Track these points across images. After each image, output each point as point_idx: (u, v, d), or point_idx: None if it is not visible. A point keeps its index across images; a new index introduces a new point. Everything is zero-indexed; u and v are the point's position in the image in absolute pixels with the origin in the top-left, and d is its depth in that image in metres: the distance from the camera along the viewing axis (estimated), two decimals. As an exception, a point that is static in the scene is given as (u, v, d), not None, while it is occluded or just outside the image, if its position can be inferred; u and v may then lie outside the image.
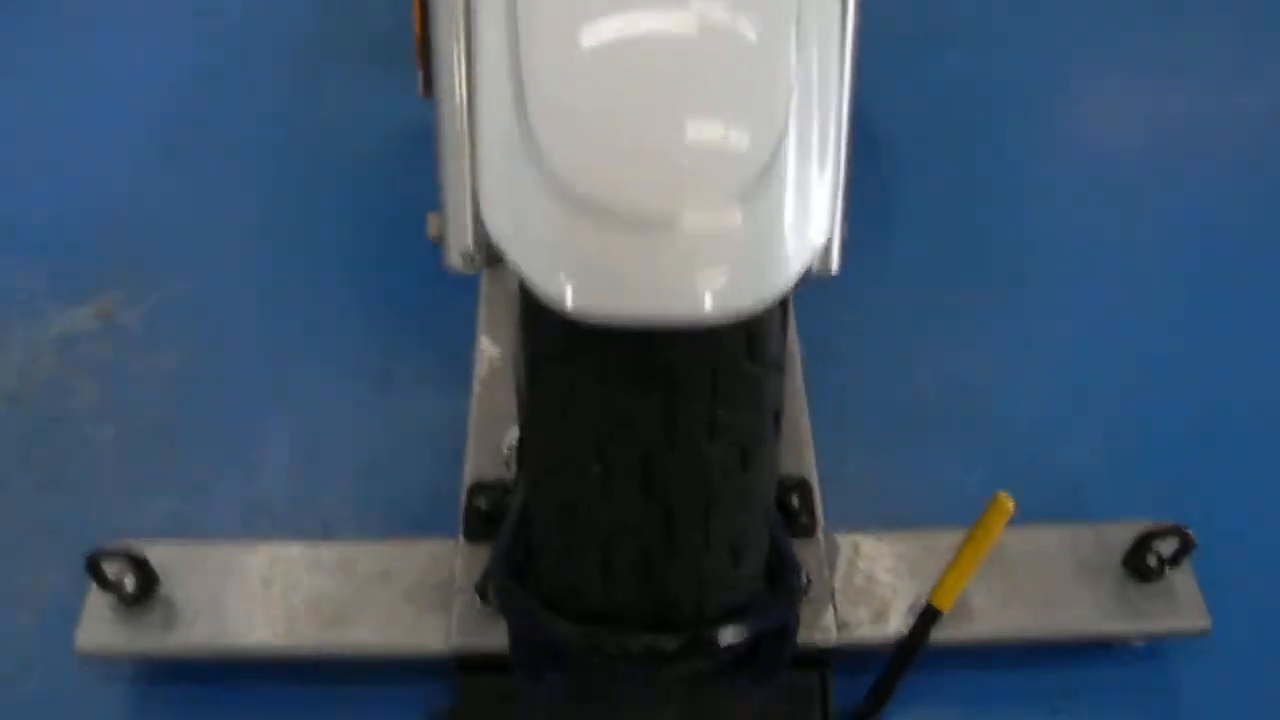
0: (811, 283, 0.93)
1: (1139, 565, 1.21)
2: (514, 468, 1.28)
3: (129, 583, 1.19)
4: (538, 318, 0.76)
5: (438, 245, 1.01)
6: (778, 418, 0.81)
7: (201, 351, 1.58)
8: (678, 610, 0.83)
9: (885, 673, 1.18)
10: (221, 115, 1.93)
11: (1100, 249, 1.74)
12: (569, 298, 0.65)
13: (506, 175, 0.69)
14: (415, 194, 1.69)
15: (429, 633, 1.20)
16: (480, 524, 1.26)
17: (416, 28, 1.19)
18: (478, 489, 1.28)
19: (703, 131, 0.67)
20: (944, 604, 1.17)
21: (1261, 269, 1.72)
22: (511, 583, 0.90)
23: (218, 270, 1.68)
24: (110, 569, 1.17)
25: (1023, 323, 1.63)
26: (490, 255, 0.99)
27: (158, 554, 1.22)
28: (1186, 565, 1.22)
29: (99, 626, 1.19)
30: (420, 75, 1.23)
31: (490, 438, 1.33)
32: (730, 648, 0.84)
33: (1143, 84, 2.05)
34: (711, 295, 0.65)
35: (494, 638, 1.16)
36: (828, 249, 0.92)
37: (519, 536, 0.95)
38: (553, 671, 0.94)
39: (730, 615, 0.85)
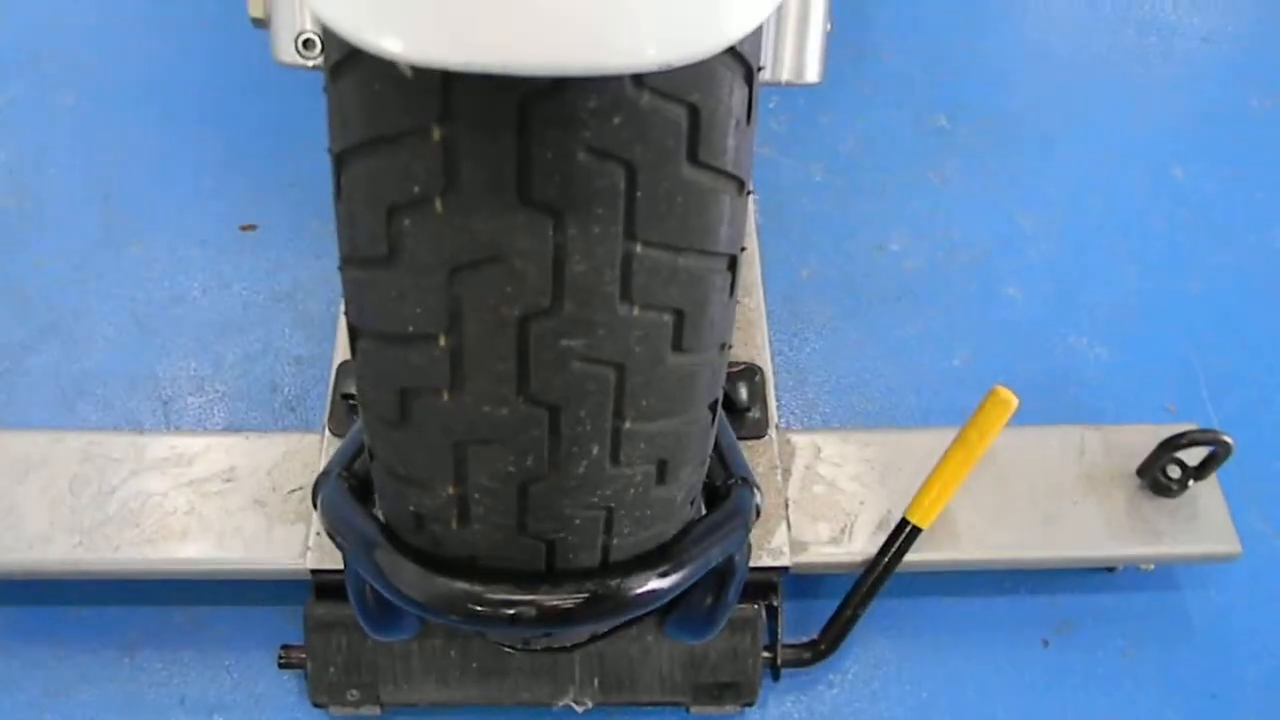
0: (783, 89, 0.69)
1: (1158, 476, 1.00)
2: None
3: (-111, 482, 0.93)
4: (347, 82, 0.49)
5: (262, 28, 0.74)
6: (734, 264, 0.56)
7: (21, 195, 1.28)
8: (575, 554, 0.58)
9: (846, 601, 0.97)
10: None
11: (1107, 108, 1.49)
12: (395, 33, 0.39)
13: None
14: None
15: (282, 548, 0.95)
16: (350, 414, 1.01)
17: None
18: (349, 370, 1.03)
19: None
20: (923, 520, 0.95)
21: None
22: (348, 503, 0.64)
23: (44, 97, 1.38)
24: None
25: (1016, 187, 1.38)
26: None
27: (-68, 445, 0.96)
28: (1213, 478, 1.00)
29: None
30: None
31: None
32: (651, 600, 0.60)
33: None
34: (631, 25, 0.39)
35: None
36: (804, 51, 0.68)
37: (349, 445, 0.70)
38: (406, 626, 0.70)
39: (653, 555, 0.61)
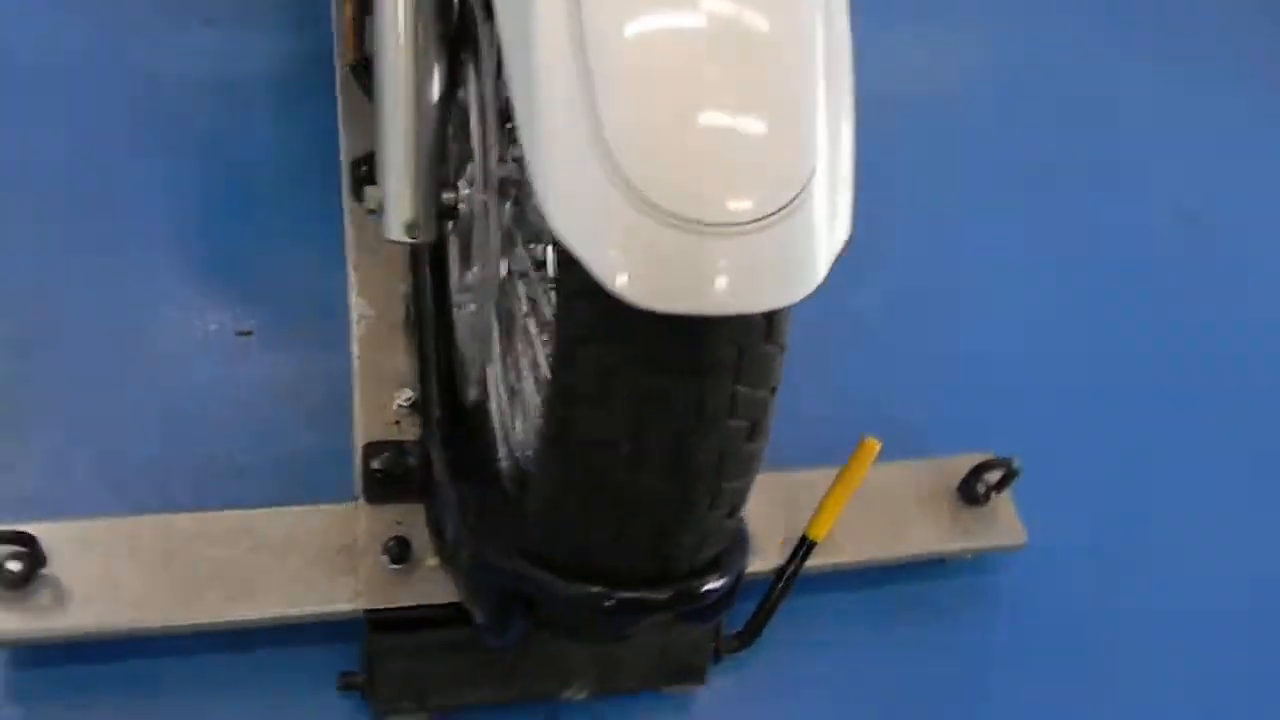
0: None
1: (970, 493, 1.41)
2: (406, 426, 1.33)
3: (13, 565, 1.14)
4: (584, 305, 0.79)
5: (375, 216, 1.04)
6: (775, 390, 0.91)
7: (42, 315, 1.47)
8: (675, 565, 0.91)
9: (765, 600, 1.32)
10: (67, 47, 1.74)
11: (945, 184, 1.89)
12: (638, 293, 0.70)
13: (574, 175, 0.72)
14: (281, 138, 1.64)
15: (339, 595, 1.22)
16: (379, 485, 1.28)
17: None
18: (373, 449, 1.30)
19: (763, 145, 0.73)
20: (818, 535, 1.31)
21: (1102, 218, 1.93)
22: (496, 545, 0.95)
23: (58, 222, 1.55)
24: (-7, 551, 1.12)
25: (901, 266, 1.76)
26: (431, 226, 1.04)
27: (39, 532, 1.17)
28: (1008, 492, 1.42)
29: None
30: (348, 43, 1.22)
31: (376, 397, 1.35)
32: (714, 594, 0.94)
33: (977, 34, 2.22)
34: (763, 293, 0.73)
35: (401, 596, 1.22)
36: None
37: (470, 493, 1.01)
38: (519, 625, 1.01)
39: (711, 565, 0.94)
